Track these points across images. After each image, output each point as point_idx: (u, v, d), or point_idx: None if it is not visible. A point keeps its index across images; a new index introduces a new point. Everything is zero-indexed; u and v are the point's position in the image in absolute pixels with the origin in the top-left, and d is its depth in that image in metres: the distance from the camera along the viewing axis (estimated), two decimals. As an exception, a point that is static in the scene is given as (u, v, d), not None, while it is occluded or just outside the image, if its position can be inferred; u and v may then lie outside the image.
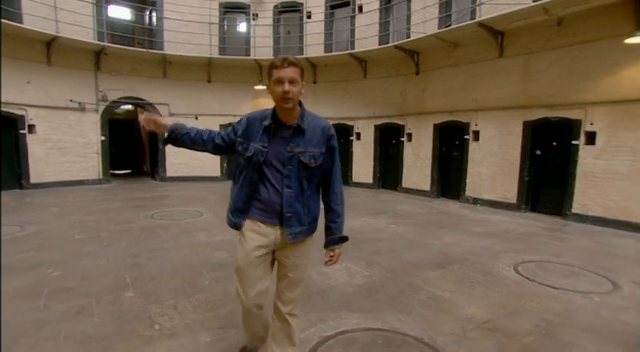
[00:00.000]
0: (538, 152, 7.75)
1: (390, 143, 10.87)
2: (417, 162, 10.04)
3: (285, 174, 1.83)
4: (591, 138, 6.78)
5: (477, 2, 8.06)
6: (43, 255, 4.37)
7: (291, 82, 1.75)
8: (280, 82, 1.74)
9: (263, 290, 1.93)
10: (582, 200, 6.93)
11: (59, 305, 3.09)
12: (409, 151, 10.25)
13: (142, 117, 1.83)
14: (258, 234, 1.88)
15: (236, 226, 1.94)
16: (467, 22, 7.90)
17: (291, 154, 1.83)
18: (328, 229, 2.00)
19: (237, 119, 8.99)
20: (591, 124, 6.75)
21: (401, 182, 10.48)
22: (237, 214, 1.93)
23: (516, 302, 3.38)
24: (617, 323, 3.00)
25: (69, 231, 5.52)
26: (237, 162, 1.94)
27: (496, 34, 7.90)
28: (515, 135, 7.91)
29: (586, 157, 6.85)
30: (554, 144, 7.49)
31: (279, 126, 1.85)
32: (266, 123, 1.85)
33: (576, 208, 6.99)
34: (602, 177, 6.64)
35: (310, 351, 2.49)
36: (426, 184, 9.81)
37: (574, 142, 7.00)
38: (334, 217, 2.00)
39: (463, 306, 3.26)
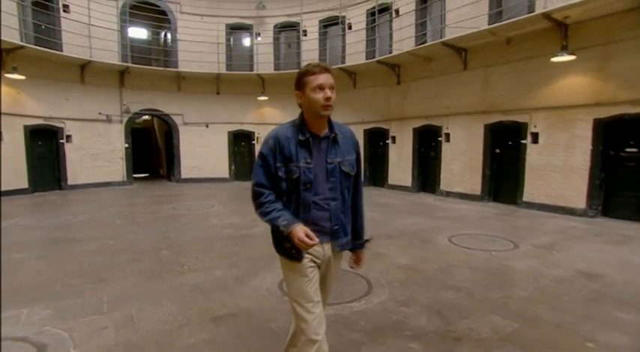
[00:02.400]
0: (497, 150, 9.09)
1: (377, 145, 12.28)
2: (401, 162, 11.43)
3: (330, 187, 1.76)
4: (535, 137, 8.11)
5: (443, 24, 9.51)
6: (98, 233, 5.91)
7: (332, 87, 1.69)
8: (322, 88, 1.67)
9: (321, 310, 1.80)
10: (530, 190, 8.25)
11: (120, 257, 4.61)
12: (393, 152, 11.65)
13: (303, 242, 1.59)
14: (309, 254, 1.77)
15: (298, 258, 1.74)
16: (434, 41, 9.33)
17: (333, 165, 1.76)
18: (356, 233, 1.97)
19: (244, 126, 11.03)
20: (535, 126, 8.09)
21: (387, 179, 11.87)
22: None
23: (435, 256, 4.78)
24: (497, 264, 4.39)
25: (111, 218, 7.08)
26: (280, 189, 1.76)
27: (460, 50, 9.29)
28: (479, 136, 9.26)
29: (532, 154, 8.19)
30: (510, 143, 8.81)
31: (314, 138, 1.76)
32: (302, 137, 1.73)
33: (526, 197, 8.32)
34: (545, 170, 7.97)
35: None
36: (407, 180, 11.20)
37: (523, 141, 8.34)
38: (361, 220, 1.99)
39: (396, 258, 4.67)
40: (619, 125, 6.86)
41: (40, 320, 2.92)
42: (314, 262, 1.78)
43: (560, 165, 7.69)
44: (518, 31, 7.85)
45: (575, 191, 7.44)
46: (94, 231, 6.07)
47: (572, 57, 6.97)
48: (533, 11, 7.46)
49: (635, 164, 6.81)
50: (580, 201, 7.37)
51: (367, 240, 2.02)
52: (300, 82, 1.71)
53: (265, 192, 1.74)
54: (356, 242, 1.97)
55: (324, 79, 1.67)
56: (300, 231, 1.59)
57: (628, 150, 6.89)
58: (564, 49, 7.01)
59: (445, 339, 2.72)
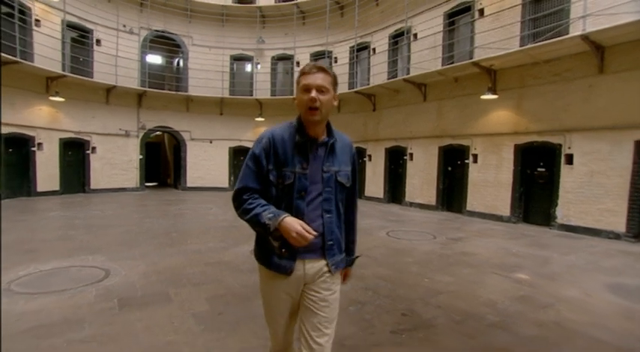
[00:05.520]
0: (449, 168, 10.96)
1: (357, 162, 14.15)
2: (374, 177, 13.30)
3: (324, 198, 1.60)
4: (475, 158, 9.98)
5: (408, 64, 11.55)
6: (123, 222, 7.80)
7: (320, 90, 1.52)
8: (307, 89, 1.53)
9: (293, 331, 1.75)
10: (472, 201, 10.07)
11: (142, 236, 6.47)
12: (369, 168, 13.54)
13: (297, 235, 1.42)
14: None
15: (287, 271, 1.57)
16: (399, 78, 11.35)
17: (329, 175, 1.60)
18: (348, 249, 1.83)
19: (242, 143, 13.62)
20: (475, 149, 9.98)
21: (364, 192, 13.71)
22: (288, 257, 1.56)
23: (369, 242, 6.58)
24: (409, 247, 6.20)
25: (130, 214, 8.98)
26: (269, 195, 1.59)
27: (420, 85, 11.29)
28: (434, 156, 11.14)
29: (473, 171, 10.04)
30: (458, 162, 10.67)
31: (312, 142, 1.59)
32: (299, 139, 1.57)
33: (469, 207, 10.13)
34: (482, 185, 9.80)
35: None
36: (380, 193, 13.04)
37: (466, 161, 10.21)
38: (354, 236, 1.88)
39: (339, 242, 6.49)
40: (531, 150, 8.73)
41: (100, 261, 4.79)
42: (294, 286, 1.61)
43: (492, 180, 9.53)
44: (461, 72, 9.84)
45: (503, 201, 9.26)
46: (120, 221, 7.96)
47: (495, 96, 8.93)
48: (472, 58, 9.46)
49: (544, 181, 8.63)
50: (506, 210, 9.18)
51: (356, 257, 1.88)
52: (297, 81, 1.61)
53: (250, 192, 1.59)
54: (348, 258, 1.81)
55: (312, 79, 1.53)
56: (295, 222, 1.45)
57: (539, 169, 8.73)
58: (490, 90, 8.97)
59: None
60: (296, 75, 14.39)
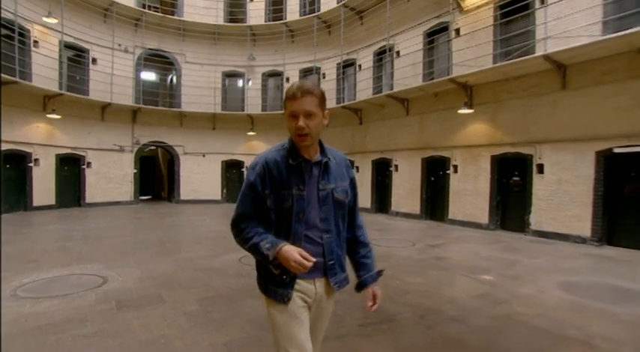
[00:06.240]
0: (432, 178, 11.47)
1: (345, 173, 14.65)
2: (362, 188, 13.75)
3: (322, 217, 1.61)
4: (455, 169, 10.51)
5: (392, 80, 12.17)
6: (118, 233, 8.15)
7: (308, 115, 1.49)
8: (294, 116, 1.50)
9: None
10: (453, 209, 10.56)
11: (137, 246, 6.83)
12: (357, 180, 13.90)
13: (297, 263, 1.43)
14: (299, 292, 1.59)
15: (283, 299, 1.57)
16: (383, 93, 11.94)
17: (325, 193, 1.61)
18: (363, 265, 1.78)
19: (235, 156, 14.19)
20: (455, 160, 10.51)
21: (352, 202, 14.15)
22: (287, 284, 1.57)
23: (352, 248, 6.99)
24: (388, 253, 6.63)
25: (126, 225, 9.33)
26: (268, 220, 1.60)
27: (403, 100, 11.88)
28: (418, 167, 11.66)
29: (454, 181, 10.56)
30: (440, 173, 11.19)
31: (306, 163, 1.60)
32: (293, 162, 1.57)
33: (450, 215, 10.61)
34: (462, 194, 10.31)
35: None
36: (367, 203, 13.50)
37: (447, 171, 10.73)
38: (366, 251, 1.82)
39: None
40: (506, 160, 9.28)
41: (98, 269, 5.15)
42: (305, 302, 1.60)
43: (471, 189, 10.04)
44: (440, 88, 10.44)
45: (481, 210, 9.75)
46: (115, 232, 8.31)
47: (471, 110, 9.51)
48: (450, 75, 10.07)
49: (518, 189, 9.15)
50: (485, 218, 9.66)
51: (380, 271, 1.80)
52: (284, 105, 1.57)
53: (247, 220, 1.60)
54: (367, 274, 1.76)
55: (297, 105, 1.49)
56: (294, 251, 1.45)
57: (514, 178, 9.26)
58: (466, 104, 9.55)
59: (323, 279, 4.95)
60: (285, 90, 15.17)
